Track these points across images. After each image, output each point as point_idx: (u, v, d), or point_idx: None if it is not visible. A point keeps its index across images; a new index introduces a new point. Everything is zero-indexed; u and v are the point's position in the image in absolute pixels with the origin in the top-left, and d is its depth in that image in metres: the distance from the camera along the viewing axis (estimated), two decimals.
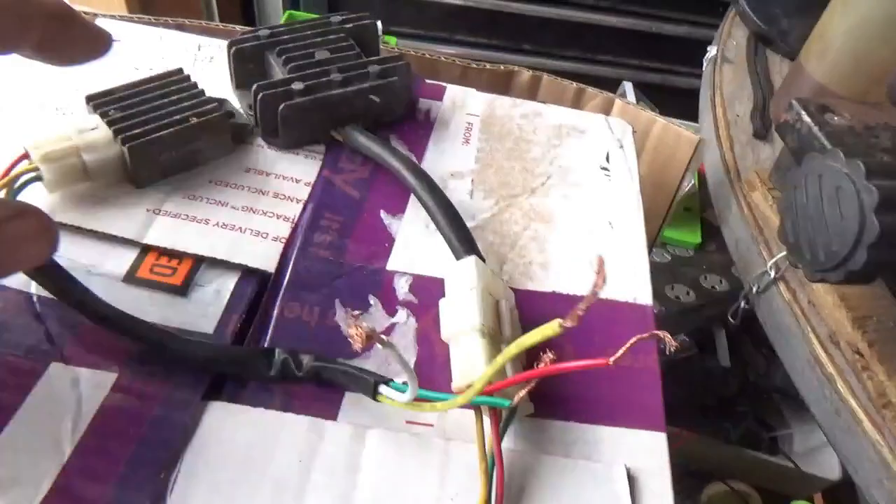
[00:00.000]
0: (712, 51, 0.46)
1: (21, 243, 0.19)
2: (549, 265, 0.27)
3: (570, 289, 0.26)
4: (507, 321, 0.22)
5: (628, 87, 0.85)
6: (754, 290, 0.34)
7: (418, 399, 0.20)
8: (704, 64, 0.46)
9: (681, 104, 1.11)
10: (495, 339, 0.21)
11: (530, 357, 0.23)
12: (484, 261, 0.24)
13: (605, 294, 0.26)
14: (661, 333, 0.18)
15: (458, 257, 0.24)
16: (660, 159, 0.36)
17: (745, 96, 0.43)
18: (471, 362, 0.21)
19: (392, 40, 0.73)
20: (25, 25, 0.20)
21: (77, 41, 0.21)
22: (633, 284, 0.27)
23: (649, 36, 1.09)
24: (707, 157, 0.40)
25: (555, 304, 0.26)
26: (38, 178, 0.24)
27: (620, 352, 0.18)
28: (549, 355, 0.20)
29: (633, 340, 0.18)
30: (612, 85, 1.05)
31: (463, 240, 0.24)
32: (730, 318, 0.37)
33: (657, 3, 1.05)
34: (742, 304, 0.36)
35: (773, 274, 0.33)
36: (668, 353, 0.19)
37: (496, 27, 1.10)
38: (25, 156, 0.24)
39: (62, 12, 0.20)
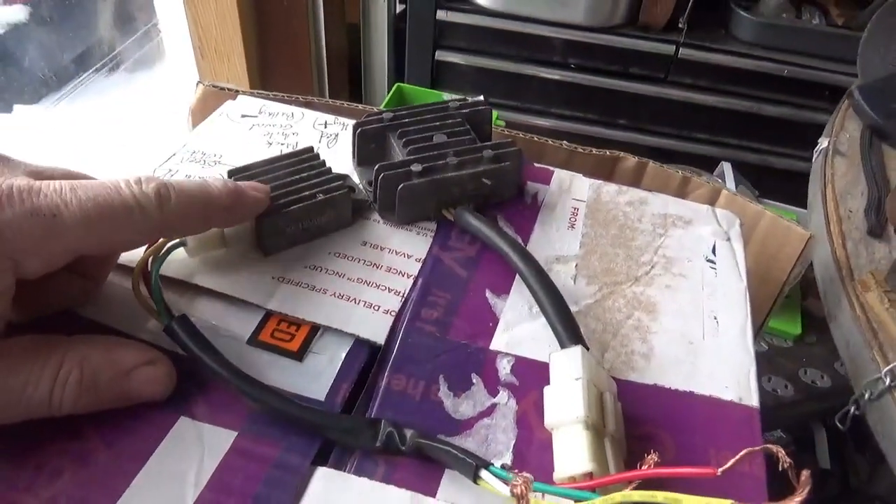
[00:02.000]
0: (823, 142, 0.46)
1: (146, 386, 0.23)
2: (652, 356, 0.27)
3: (672, 383, 0.26)
4: (611, 414, 0.22)
5: (727, 167, 0.84)
6: (866, 396, 0.33)
7: None
8: (815, 155, 0.46)
9: (779, 186, 1.08)
10: (599, 432, 0.22)
11: (632, 453, 0.23)
12: (588, 350, 0.24)
13: (709, 391, 0.26)
14: (774, 448, 0.18)
15: (563, 345, 0.24)
16: (767, 252, 0.36)
17: (858, 192, 0.42)
18: (574, 455, 0.21)
19: (494, 116, 0.76)
20: (207, 224, 0.26)
21: (244, 211, 0.26)
22: (738, 383, 0.26)
23: (748, 116, 1.08)
24: (817, 251, 0.39)
25: (657, 397, 0.26)
26: (183, 244, 0.27)
27: (729, 464, 0.18)
28: (654, 457, 0.19)
29: (742, 453, 0.18)
30: (707, 163, 1.04)
31: (569, 327, 0.25)
32: (837, 423, 0.36)
33: (759, 85, 1.04)
34: (852, 409, 0.34)
35: (888, 381, 0.32)
36: (780, 467, 0.19)
37: (592, 102, 1.12)
38: None
39: (232, 203, 0.25)
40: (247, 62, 0.99)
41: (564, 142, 0.38)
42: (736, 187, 0.78)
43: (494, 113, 0.81)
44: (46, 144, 0.94)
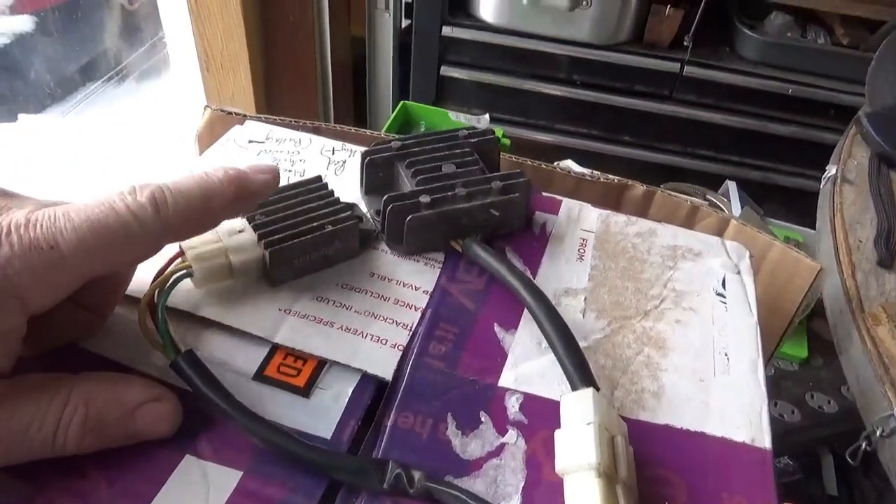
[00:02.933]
0: (831, 169, 0.45)
1: (152, 424, 0.22)
2: (662, 394, 0.27)
3: (683, 422, 0.26)
4: (623, 460, 0.22)
5: (732, 186, 0.84)
6: (878, 433, 0.32)
7: None
8: (823, 182, 0.45)
9: (784, 204, 1.08)
10: (611, 479, 0.21)
11: (643, 496, 0.23)
12: (599, 390, 0.24)
13: (721, 431, 0.25)
14: None
15: (573, 386, 0.24)
16: (776, 284, 0.35)
17: (867, 220, 0.42)
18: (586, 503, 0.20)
19: (499, 132, 0.76)
20: (214, 220, 0.25)
21: (253, 197, 0.25)
22: (750, 423, 0.26)
23: (753, 134, 1.08)
24: (826, 282, 0.38)
25: (668, 438, 0.25)
26: (189, 275, 0.27)
27: None
28: None
29: None
30: (711, 181, 1.04)
31: (579, 368, 0.24)
32: (848, 459, 0.35)
33: (764, 103, 1.04)
34: (863, 445, 0.34)
35: None
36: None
37: (596, 118, 1.12)
38: (181, 253, 0.27)
39: (237, 192, 0.24)
40: (252, 77, 0.99)
41: (572, 170, 0.38)
42: (741, 207, 0.78)
43: (500, 130, 0.81)
44: (52, 154, 0.94)
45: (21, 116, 0.95)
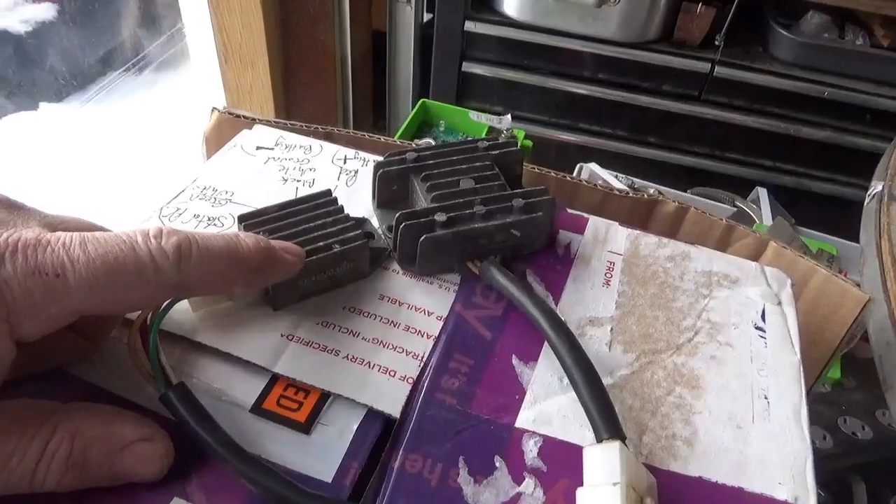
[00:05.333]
0: (877, 186, 0.43)
1: (140, 465, 0.21)
2: (696, 442, 0.24)
3: (718, 476, 0.23)
4: None
5: (763, 193, 0.81)
6: None
7: None
8: (867, 199, 0.42)
9: (816, 211, 1.04)
10: None
11: None
12: (626, 441, 0.22)
13: (760, 487, 0.23)
14: None
15: (598, 436, 0.22)
16: (819, 313, 0.33)
17: None
18: None
19: (521, 133, 0.73)
20: (229, 285, 0.23)
21: (274, 275, 0.24)
22: (793, 479, 0.23)
23: (785, 138, 1.04)
24: (871, 310, 0.35)
25: (701, 493, 0.23)
26: (185, 298, 0.25)
27: None
28: None
29: None
30: (740, 185, 1.01)
31: (606, 416, 0.22)
32: None
33: (798, 106, 1.00)
34: None
35: None
36: None
37: (622, 118, 1.08)
38: None
39: (262, 264, 0.23)
40: (270, 69, 0.98)
41: (600, 182, 0.36)
42: (773, 216, 0.75)
43: (521, 132, 0.78)
44: (72, 143, 0.94)
45: (42, 105, 0.95)
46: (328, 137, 0.36)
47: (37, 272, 0.18)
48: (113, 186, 0.89)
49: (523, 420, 0.24)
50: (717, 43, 1.00)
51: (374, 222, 0.31)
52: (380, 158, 0.31)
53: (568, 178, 0.37)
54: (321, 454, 0.23)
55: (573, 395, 0.24)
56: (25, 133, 0.91)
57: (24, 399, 0.21)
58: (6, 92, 0.91)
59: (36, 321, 0.19)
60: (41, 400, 0.21)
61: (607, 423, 0.22)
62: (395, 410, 0.24)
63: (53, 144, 0.92)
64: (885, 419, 0.57)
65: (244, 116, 0.36)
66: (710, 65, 1.01)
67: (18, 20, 0.92)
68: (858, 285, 0.32)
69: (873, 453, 0.53)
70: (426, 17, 1.08)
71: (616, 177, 0.72)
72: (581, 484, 0.21)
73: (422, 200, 0.29)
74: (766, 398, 0.26)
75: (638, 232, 0.32)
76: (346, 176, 0.34)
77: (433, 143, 0.46)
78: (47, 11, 0.95)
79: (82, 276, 0.19)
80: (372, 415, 0.24)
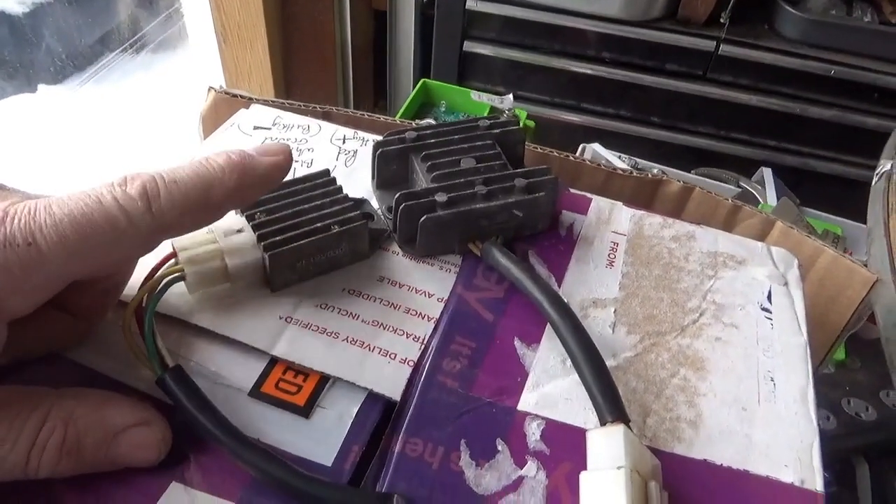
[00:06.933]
0: (886, 165, 0.42)
1: (136, 451, 0.20)
2: (700, 424, 0.24)
3: (723, 458, 0.23)
4: None
5: (767, 174, 0.79)
6: None
7: None
8: (875, 178, 0.42)
9: (821, 191, 1.03)
10: None
11: None
12: (630, 424, 0.21)
13: (766, 470, 0.23)
14: None
15: (601, 419, 0.21)
16: (825, 294, 0.32)
17: None
18: None
19: (523, 113, 0.73)
20: (216, 212, 0.22)
21: (261, 185, 0.22)
22: (799, 461, 0.23)
23: (791, 117, 1.03)
24: (879, 291, 0.35)
25: (706, 476, 0.23)
26: (182, 279, 0.24)
27: None
28: None
29: None
30: (745, 164, 1.00)
31: (609, 399, 0.22)
32: None
33: (804, 85, 0.99)
34: None
35: None
36: None
37: (626, 98, 1.07)
38: (173, 254, 0.24)
39: (239, 180, 0.21)
40: (269, 49, 0.96)
41: (603, 162, 0.35)
42: (777, 196, 0.74)
43: (524, 112, 0.78)
44: (71, 125, 0.93)
45: (41, 87, 0.94)
46: (326, 117, 0.36)
47: (7, 245, 0.18)
48: (111, 167, 0.89)
49: (526, 403, 0.24)
50: (722, 20, 0.98)
51: (374, 203, 0.30)
52: (379, 138, 0.30)
53: (571, 158, 0.36)
54: (321, 438, 0.23)
55: (576, 377, 0.24)
56: (25, 115, 0.90)
57: (14, 385, 0.20)
58: (4, 74, 0.90)
59: (21, 294, 0.19)
60: (32, 386, 0.21)
61: (611, 406, 0.21)
62: (395, 393, 0.24)
63: (52, 126, 0.91)
64: (889, 400, 0.57)
65: (241, 96, 0.35)
66: (715, 43, 0.99)
67: (15, 1, 0.91)
68: (865, 265, 0.32)
69: (877, 434, 0.53)
70: None
71: (619, 157, 0.71)
72: (584, 467, 0.21)
73: (422, 180, 0.29)
74: (772, 380, 0.26)
75: (642, 212, 0.32)
76: (345, 156, 0.33)
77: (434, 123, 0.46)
78: None
79: (53, 240, 0.18)
80: (372, 398, 0.24)
